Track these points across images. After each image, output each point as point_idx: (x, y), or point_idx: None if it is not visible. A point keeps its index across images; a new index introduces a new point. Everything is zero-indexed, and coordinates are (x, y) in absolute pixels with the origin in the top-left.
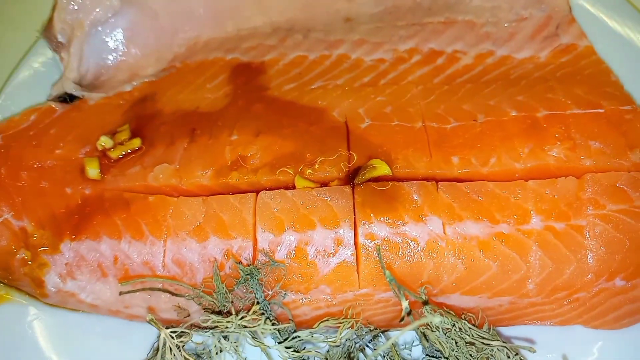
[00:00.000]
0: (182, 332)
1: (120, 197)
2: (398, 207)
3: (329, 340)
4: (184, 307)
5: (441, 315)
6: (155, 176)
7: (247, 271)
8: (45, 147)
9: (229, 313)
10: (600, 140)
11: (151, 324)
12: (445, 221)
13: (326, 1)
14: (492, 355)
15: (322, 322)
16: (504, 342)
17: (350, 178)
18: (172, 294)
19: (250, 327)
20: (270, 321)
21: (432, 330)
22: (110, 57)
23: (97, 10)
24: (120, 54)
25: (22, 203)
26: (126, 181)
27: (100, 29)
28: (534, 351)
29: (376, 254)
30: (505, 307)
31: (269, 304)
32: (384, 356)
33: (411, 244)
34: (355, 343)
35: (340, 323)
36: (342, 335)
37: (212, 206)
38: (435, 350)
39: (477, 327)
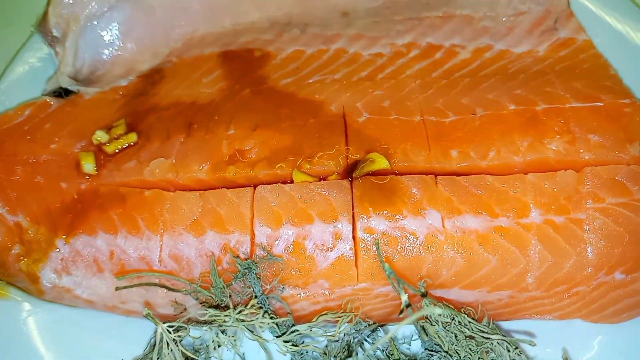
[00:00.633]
0: (179, 326)
1: (116, 191)
2: (397, 201)
3: (328, 334)
4: (181, 302)
5: (440, 308)
6: (152, 171)
7: (244, 265)
8: (40, 142)
9: (226, 307)
10: (599, 133)
11: (148, 318)
12: (444, 215)
13: None
14: (491, 349)
15: (320, 316)
16: (503, 335)
17: (349, 172)
18: (169, 289)
19: (248, 321)
20: (269, 315)
21: (432, 324)
22: (106, 52)
23: (93, 4)
24: (116, 48)
25: (17, 198)
26: (122, 176)
27: (95, 23)
28: (534, 345)
29: (375, 248)
30: (504, 301)
31: (267, 298)
32: (383, 351)
33: (410, 237)
34: (354, 338)
35: (339, 317)
36: (341, 329)
37: (209, 201)
38: (435, 344)
39: (476, 321)
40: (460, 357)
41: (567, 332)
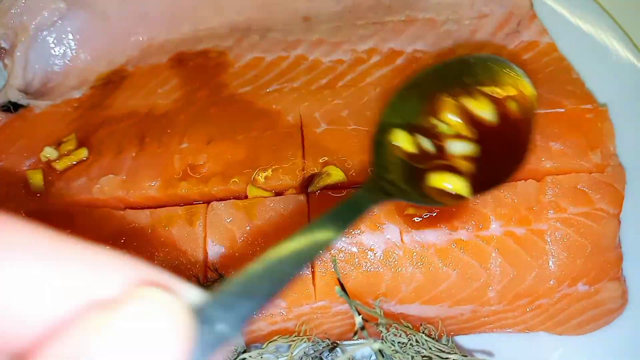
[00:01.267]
0: None
1: (66, 211)
2: None
3: (280, 359)
4: None
5: (396, 329)
6: (101, 188)
7: None
8: None
9: None
10: (561, 141)
11: None
12: (402, 229)
13: None
14: None
15: (271, 341)
16: (463, 355)
17: (305, 186)
18: None
19: None
20: None
21: (388, 346)
22: (58, 63)
23: (43, 12)
24: (69, 59)
25: None
26: (71, 194)
27: (46, 33)
28: None
29: (332, 265)
30: (466, 316)
31: None
32: None
33: (368, 253)
34: (312, 357)
35: (292, 341)
36: (295, 353)
37: (160, 219)
38: None
39: (436, 338)
40: None
41: (530, 345)
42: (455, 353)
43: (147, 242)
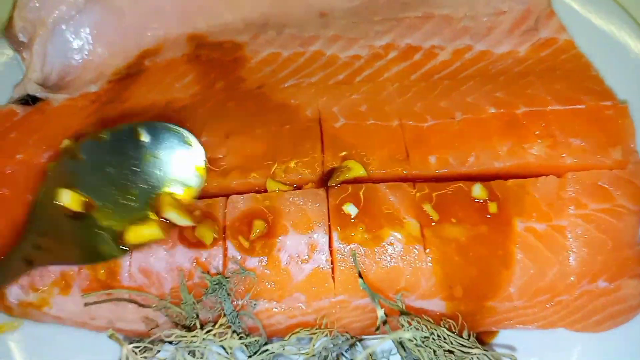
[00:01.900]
0: (145, 347)
1: None
2: (374, 210)
3: (302, 352)
4: (152, 317)
5: (418, 323)
6: None
7: (215, 281)
8: (5, 152)
9: (197, 326)
10: (581, 137)
11: (112, 339)
12: (423, 224)
13: None
14: None
15: (293, 333)
16: (484, 349)
17: (324, 180)
18: (139, 304)
19: (216, 341)
20: (238, 335)
21: (410, 340)
22: (76, 57)
23: (61, 7)
24: (86, 53)
25: None
26: None
27: (64, 27)
28: (515, 359)
29: (352, 259)
30: (486, 312)
31: (238, 315)
32: None
33: (388, 247)
34: (332, 352)
35: (313, 334)
36: (316, 345)
37: None
38: (414, 359)
39: (456, 333)
40: None
41: (550, 341)
42: (477, 347)
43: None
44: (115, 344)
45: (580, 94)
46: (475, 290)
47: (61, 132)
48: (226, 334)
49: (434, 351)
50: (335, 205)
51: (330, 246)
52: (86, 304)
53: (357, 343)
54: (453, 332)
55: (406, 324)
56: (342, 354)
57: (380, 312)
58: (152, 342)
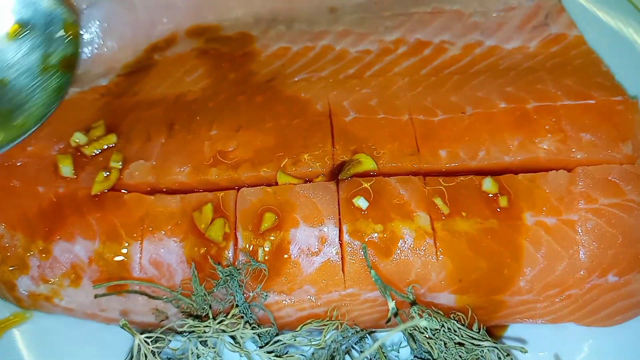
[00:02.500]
0: (157, 337)
1: (95, 195)
2: (384, 204)
3: (313, 343)
4: (162, 309)
5: (429, 315)
6: (131, 173)
7: (226, 272)
8: (16, 145)
9: (208, 316)
10: (591, 132)
11: (124, 329)
12: (433, 217)
13: None
14: (482, 356)
15: (304, 325)
16: (494, 342)
17: (335, 173)
18: (149, 296)
19: (228, 332)
20: (250, 325)
21: (420, 332)
22: (86, 50)
23: (72, 1)
24: (97, 46)
25: None
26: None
27: None
28: (525, 351)
29: (362, 253)
30: (496, 306)
31: (249, 306)
32: (371, 359)
33: (398, 241)
34: (341, 345)
35: (324, 325)
36: (327, 337)
37: (191, 204)
38: (424, 351)
39: (467, 327)
40: None
41: (560, 335)
42: (487, 340)
43: (177, 228)
44: (123, 338)
45: (590, 89)
46: (485, 284)
47: (71, 125)
48: (238, 324)
49: (445, 343)
50: (345, 199)
51: (340, 239)
52: (96, 296)
53: (367, 336)
54: (463, 325)
55: (417, 316)
56: (352, 347)
57: (392, 304)
58: (163, 333)
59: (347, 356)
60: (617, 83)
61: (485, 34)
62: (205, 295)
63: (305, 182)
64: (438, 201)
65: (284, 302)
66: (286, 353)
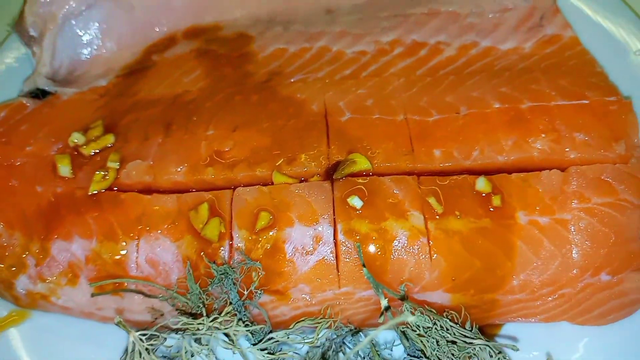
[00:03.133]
0: (152, 334)
1: (93, 195)
2: (378, 203)
3: (306, 341)
4: (158, 308)
5: (421, 313)
6: (128, 173)
7: (221, 271)
8: (15, 145)
9: (203, 314)
10: (585, 131)
11: (119, 326)
12: (427, 216)
13: None
14: (474, 354)
15: (298, 322)
16: (486, 340)
17: (330, 173)
18: (146, 295)
19: (221, 329)
20: (243, 322)
21: (412, 330)
22: (85, 51)
23: (71, 2)
24: (95, 47)
25: None
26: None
27: (73, 22)
28: (517, 349)
29: (356, 252)
30: (489, 304)
31: (244, 304)
32: (364, 357)
33: (392, 240)
34: (335, 343)
35: (318, 323)
36: (320, 335)
37: (187, 203)
38: (417, 349)
39: (459, 325)
40: None
41: (553, 334)
42: (479, 338)
43: (173, 227)
44: (120, 336)
45: (584, 89)
46: (478, 283)
47: (70, 125)
48: (232, 322)
49: (437, 341)
50: (340, 198)
51: (335, 238)
52: (93, 295)
53: (361, 334)
54: (456, 324)
55: (409, 313)
56: (345, 344)
57: (384, 302)
58: (158, 330)
59: (340, 354)
60: (610, 83)
61: (480, 35)
62: (200, 293)
63: (301, 181)
64: (432, 200)
65: (278, 300)
66: (280, 350)
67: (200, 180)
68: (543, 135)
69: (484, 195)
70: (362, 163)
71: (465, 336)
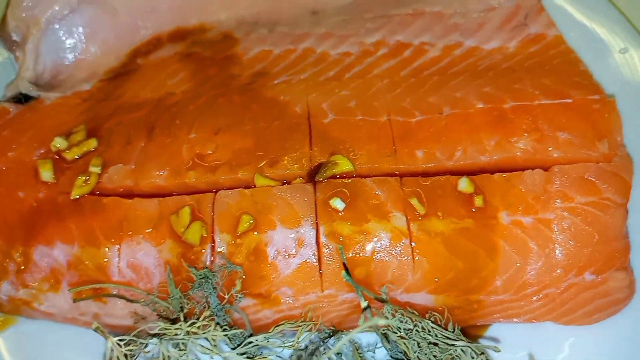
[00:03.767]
0: (130, 340)
1: (75, 200)
2: (360, 204)
3: (286, 344)
4: (141, 313)
5: (402, 315)
6: (110, 177)
7: (201, 275)
8: None
9: (186, 319)
10: (568, 131)
11: (97, 332)
12: (409, 217)
13: None
14: (456, 356)
15: (277, 326)
16: (468, 341)
17: (312, 175)
18: (128, 300)
19: (200, 334)
20: (221, 327)
21: (394, 332)
22: (68, 56)
23: (54, 6)
24: (79, 52)
25: None
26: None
27: (57, 26)
28: (499, 350)
29: (338, 254)
30: (473, 305)
31: (223, 308)
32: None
33: (374, 241)
34: (319, 346)
35: (298, 327)
36: (301, 339)
37: (168, 207)
38: (399, 352)
39: (442, 326)
40: None
41: (539, 335)
42: (461, 340)
43: (155, 232)
44: (104, 342)
45: (568, 88)
46: (461, 284)
47: (53, 130)
48: (210, 326)
49: (418, 343)
50: (322, 200)
51: (317, 241)
52: (74, 300)
53: (343, 336)
54: (439, 325)
55: (390, 315)
56: (327, 346)
57: (364, 303)
58: (136, 336)
59: (324, 356)
60: (594, 82)
61: (465, 35)
62: (180, 298)
63: (283, 184)
64: (414, 202)
65: (261, 304)
66: (260, 354)
67: (182, 184)
68: (526, 135)
69: (466, 195)
70: (344, 165)
71: (447, 338)
